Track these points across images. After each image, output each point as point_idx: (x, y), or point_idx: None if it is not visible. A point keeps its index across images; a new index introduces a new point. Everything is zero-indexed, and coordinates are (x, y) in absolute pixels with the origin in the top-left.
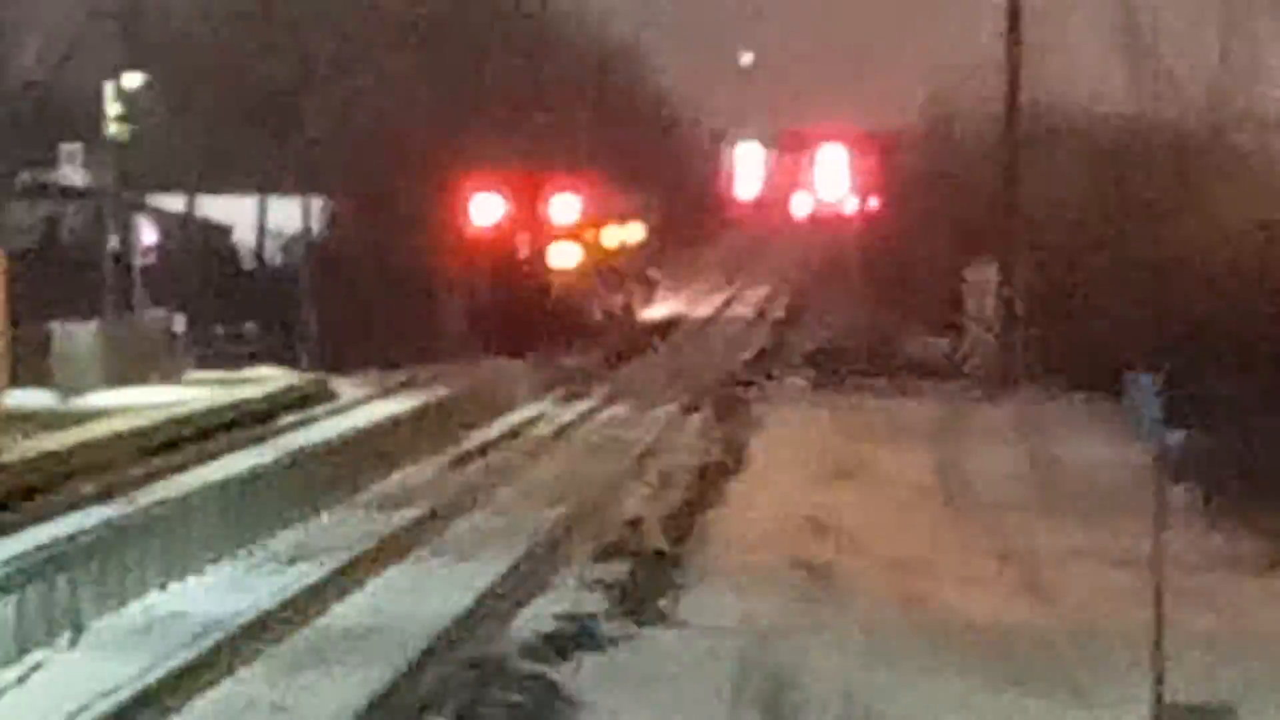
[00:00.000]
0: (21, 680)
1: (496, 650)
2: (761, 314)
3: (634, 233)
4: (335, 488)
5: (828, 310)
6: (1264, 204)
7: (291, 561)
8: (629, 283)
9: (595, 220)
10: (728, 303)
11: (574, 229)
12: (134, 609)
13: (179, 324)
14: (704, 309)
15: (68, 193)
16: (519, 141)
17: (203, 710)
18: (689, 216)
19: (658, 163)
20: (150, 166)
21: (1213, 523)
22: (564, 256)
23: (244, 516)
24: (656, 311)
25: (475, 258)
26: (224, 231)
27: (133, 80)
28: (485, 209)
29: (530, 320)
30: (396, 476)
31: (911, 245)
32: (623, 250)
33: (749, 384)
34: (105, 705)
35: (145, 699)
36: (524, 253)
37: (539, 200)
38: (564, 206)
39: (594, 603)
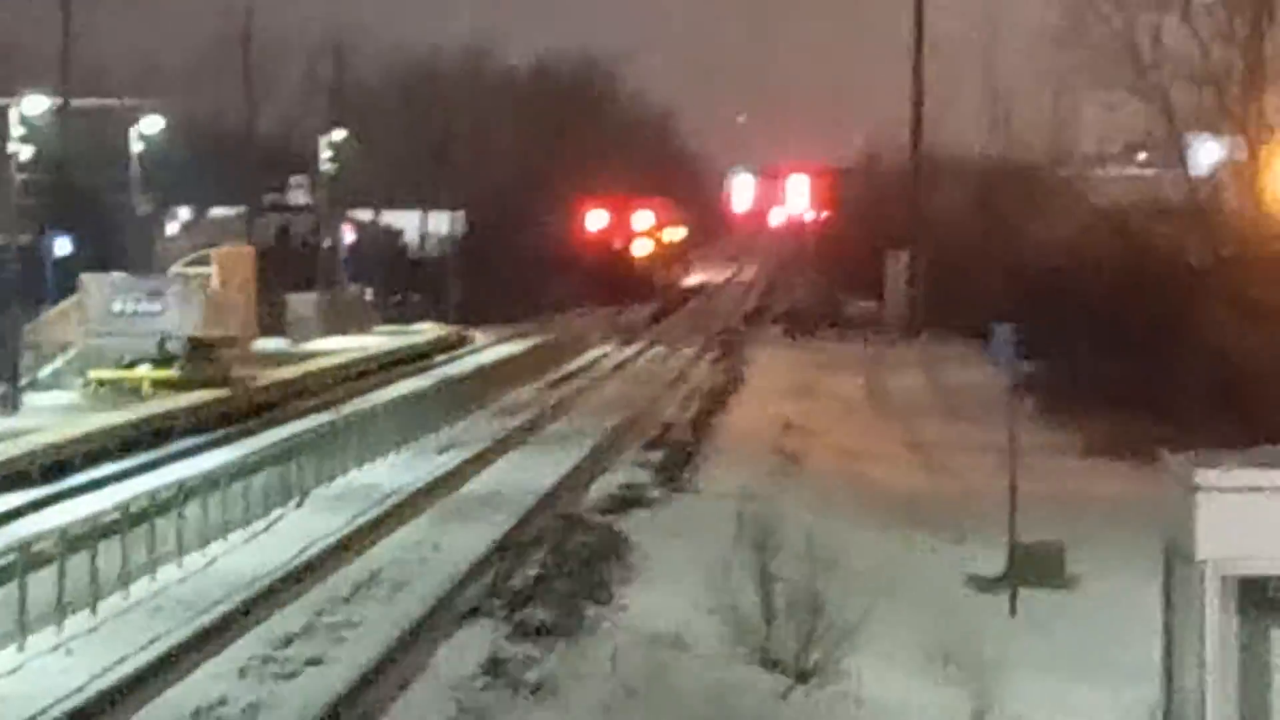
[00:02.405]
0: (268, 528)
1: (577, 508)
2: (753, 283)
3: (680, 233)
4: (470, 402)
5: (793, 284)
6: (1082, 214)
7: (441, 451)
8: (677, 264)
9: (659, 225)
10: (733, 275)
11: (648, 231)
12: (340, 482)
13: (369, 294)
14: (718, 279)
15: (295, 208)
16: (608, 177)
17: (387, 544)
18: (708, 223)
19: (691, 189)
20: (349, 190)
21: (1048, 424)
22: (642, 248)
23: (410, 421)
24: (691, 280)
25: (589, 249)
26: (398, 233)
27: (338, 134)
28: (596, 219)
29: (622, 286)
30: (511, 395)
31: (850, 241)
32: (674, 244)
33: (742, 334)
34: (326, 543)
35: (350, 539)
36: (618, 246)
37: (627, 214)
38: (642, 218)
39: (642, 477)
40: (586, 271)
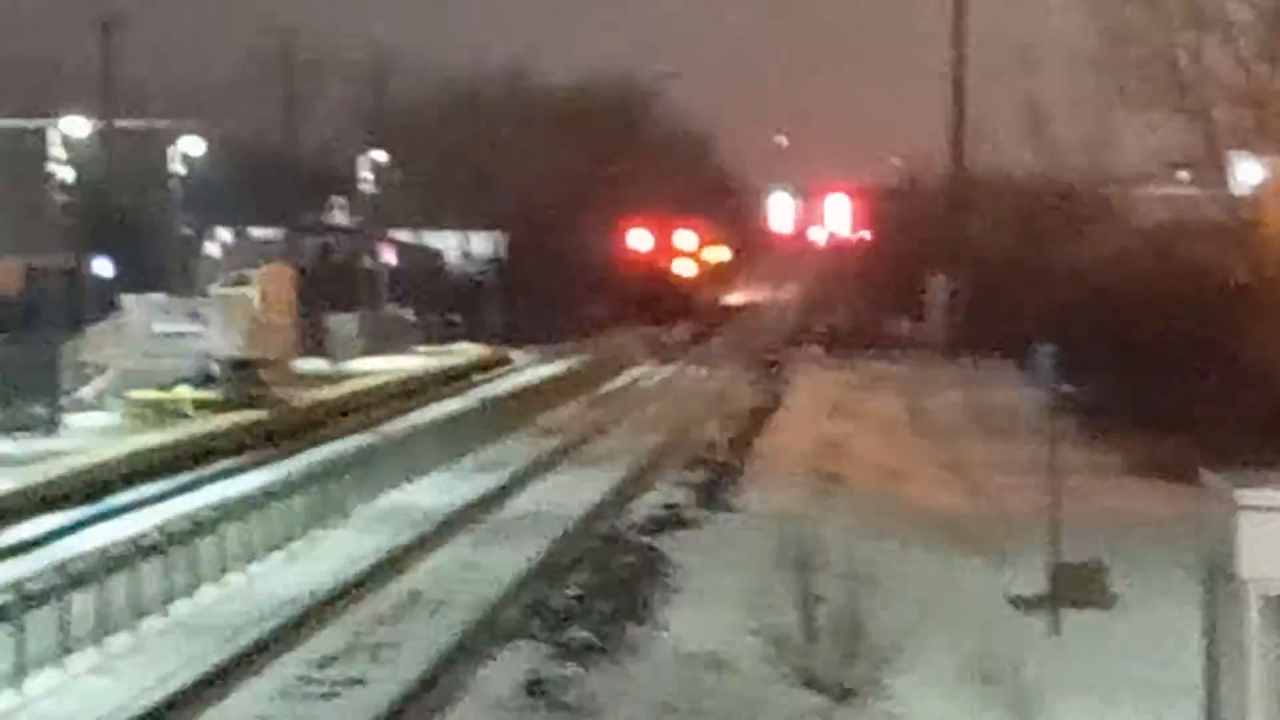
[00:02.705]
0: (309, 548)
1: (618, 528)
2: (792, 303)
3: (722, 253)
4: (511, 422)
5: (835, 304)
6: (1123, 236)
7: (483, 471)
8: (719, 283)
9: (702, 245)
10: (773, 294)
11: (690, 252)
12: (381, 501)
13: (409, 315)
14: (758, 298)
15: (336, 229)
16: (647, 197)
17: (428, 566)
18: (748, 243)
19: (730, 209)
20: (390, 212)
21: (1088, 444)
22: (685, 267)
23: (451, 440)
24: (732, 299)
25: (634, 268)
26: (438, 255)
27: (379, 156)
28: (640, 239)
29: (665, 305)
30: (551, 415)
31: (891, 262)
32: (717, 264)
33: (782, 353)
34: (366, 563)
35: (391, 560)
36: (662, 265)
37: (670, 234)
38: (685, 238)
39: (683, 496)
40: (629, 291)
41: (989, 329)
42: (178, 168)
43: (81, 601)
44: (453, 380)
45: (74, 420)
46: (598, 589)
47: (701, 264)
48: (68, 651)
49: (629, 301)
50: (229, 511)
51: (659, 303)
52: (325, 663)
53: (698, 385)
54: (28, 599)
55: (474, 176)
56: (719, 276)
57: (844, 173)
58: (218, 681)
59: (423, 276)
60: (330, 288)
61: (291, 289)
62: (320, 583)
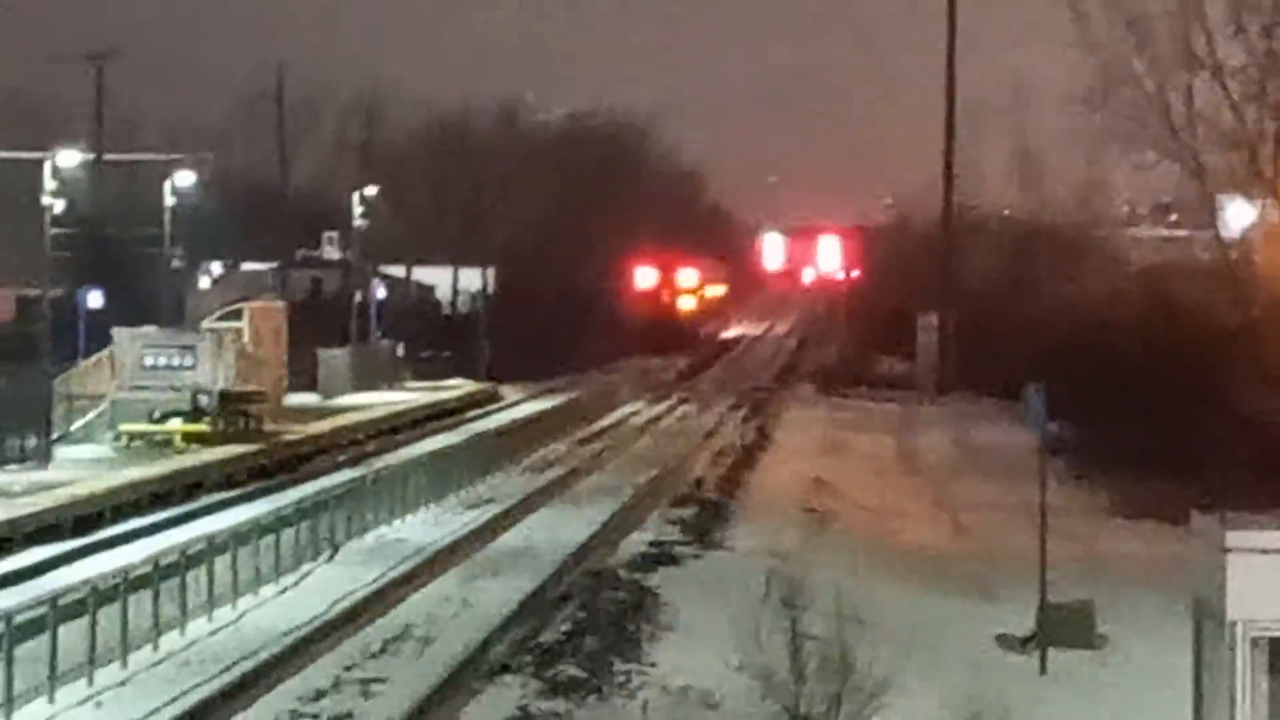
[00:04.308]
0: (297, 583)
1: (608, 565)
2: (784, 339)
3: (719, 290)
4: (501, 458)
5: (825, 341)
6: (1112, 277)
7: (472, 506)
8: (717, 318)
9: (702, 283)
10: (766, 329)
11: (692, 288)
12: (370, 537)
13: (400, 350)
14: (754, 332)
15: (327, 263)
16: (639, 235)
17: (416, 601)
18: (741, 281)
19: (723, 247)
20: (381, 246)
21: (1077, 484)
22: (687, 303)
23: (441, 476)
24: (729, 333)
25: (639, 303)
26: (429, 289)
27: (370, 191)
28: (646, 276)
29: (669, 337)
30: (541, 451)
31: (880, 301)
32: (715, 300)
33: (773, 391)
34: (355, 598)
35: (380, 594)
36: (666, 300)
37: (673, 272)
38: (687, 275)
39: (672, 534)
40: (635, 325)
41: (979, 368)
42: (170, 201)
43: (71, 633)
44: (443, 415)
45: (65, 452)
46: (587, 625)
47: (701, 300)
48: (57, 683)
49: (635, 335)
50: (219, 545)
51: (665, 336)
52: (315, 696)
53: (689, 422)
54: (16, 630)
55: (465, 212)
56: (716, 312)
57: (836, 211)
58: (207, 714)
59: (414, 311)
60: (321, 322)
61: (282, 323)
62: (309, 617)
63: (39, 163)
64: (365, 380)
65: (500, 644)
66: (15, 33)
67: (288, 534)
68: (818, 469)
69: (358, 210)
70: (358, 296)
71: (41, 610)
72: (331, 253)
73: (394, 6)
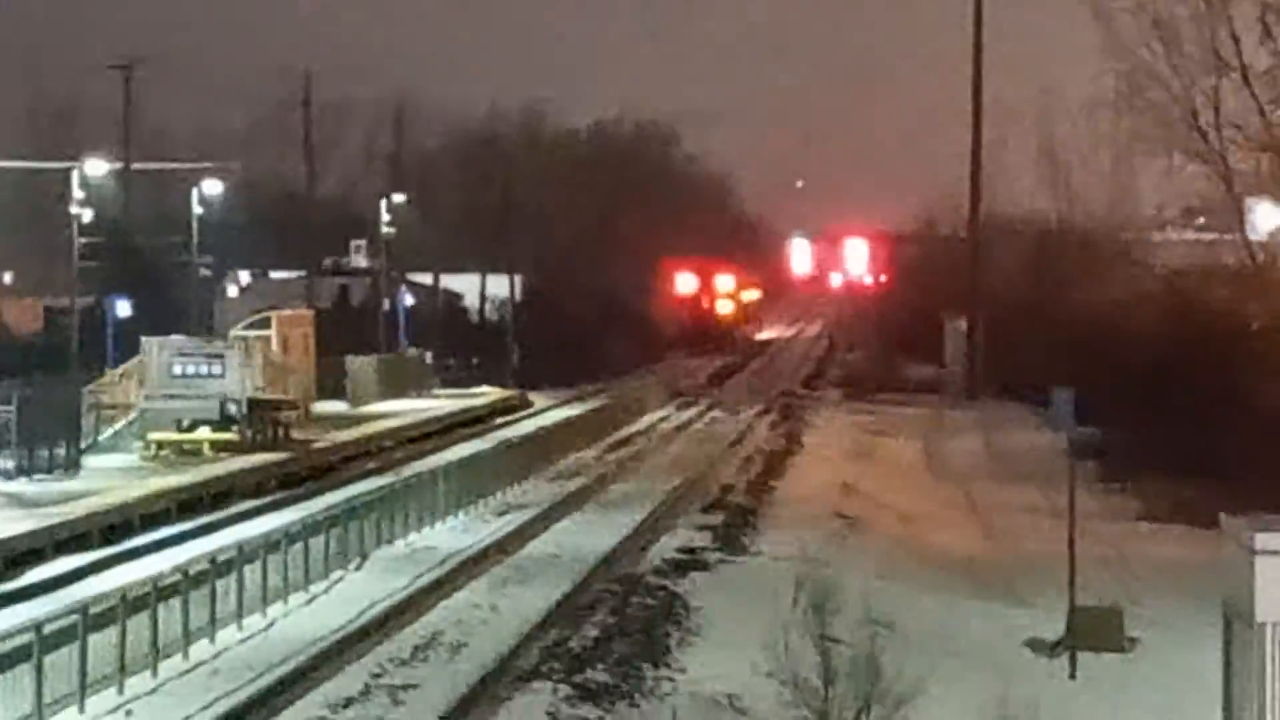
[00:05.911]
0: (327, 590)
1: (637, 570)
2: (814, 342)
3: (754, 294)
4: (529, 465)
5: (853, 346)
6: (1141, 280)
7: (501, 513)
8: (751, 322)
9: (739, 287)
10: (796, 333)
11: (729, 293)
12: (400, 544)
13: (428, 357)
14: (786, 334)
15: (355, 271)
16: (669, 240)
17: (446, 608)
18: (770, 285)
19: (752, 252)
20: (409, 254)
21: (1105, 488)
22: (725, 307)
23: (471, 483)
24: (762, 335)
25: (680, 308)
26: (457, 297)
27: (397, 199)
28: (687, 282)
29: (708, 339)
30: (571, 457)
31: (908, 305)
32: (750, 304)
33: (802, 396)
34: (383, 605)
35: (410, 601)
36: (705, 305)
37: (712, 277)
38: (725, 281)
39: (701, 539)
40: (676, 329)
41: (1007, 372)
42: (197, 210)
43: (101, 642)
44: (472, 423)
45: (94, 461)
46: (616, 631)
47: (738, 304)
48: (87, 692)
49: (675, 338)
50: (248, 553)
51: (705, 338)
52: (344, 704)
53: (718, 428)
54: (47, 639)
55: (493, 219)
56: (751, 316)
57: (865, 216)
58: None
59: (443, 319)
60: (349, 330)
61: (310, 331)
62: (339, 624)
63: (67, 172)
64: (393, 388)
65: (530, 650)
66: (42, 42)
67: (317, 542)
68: (846, 474)
69: (385, 218)
70: (386, 304)
71: (72, 619)
72: (359, 261)
73: (421, 14)
